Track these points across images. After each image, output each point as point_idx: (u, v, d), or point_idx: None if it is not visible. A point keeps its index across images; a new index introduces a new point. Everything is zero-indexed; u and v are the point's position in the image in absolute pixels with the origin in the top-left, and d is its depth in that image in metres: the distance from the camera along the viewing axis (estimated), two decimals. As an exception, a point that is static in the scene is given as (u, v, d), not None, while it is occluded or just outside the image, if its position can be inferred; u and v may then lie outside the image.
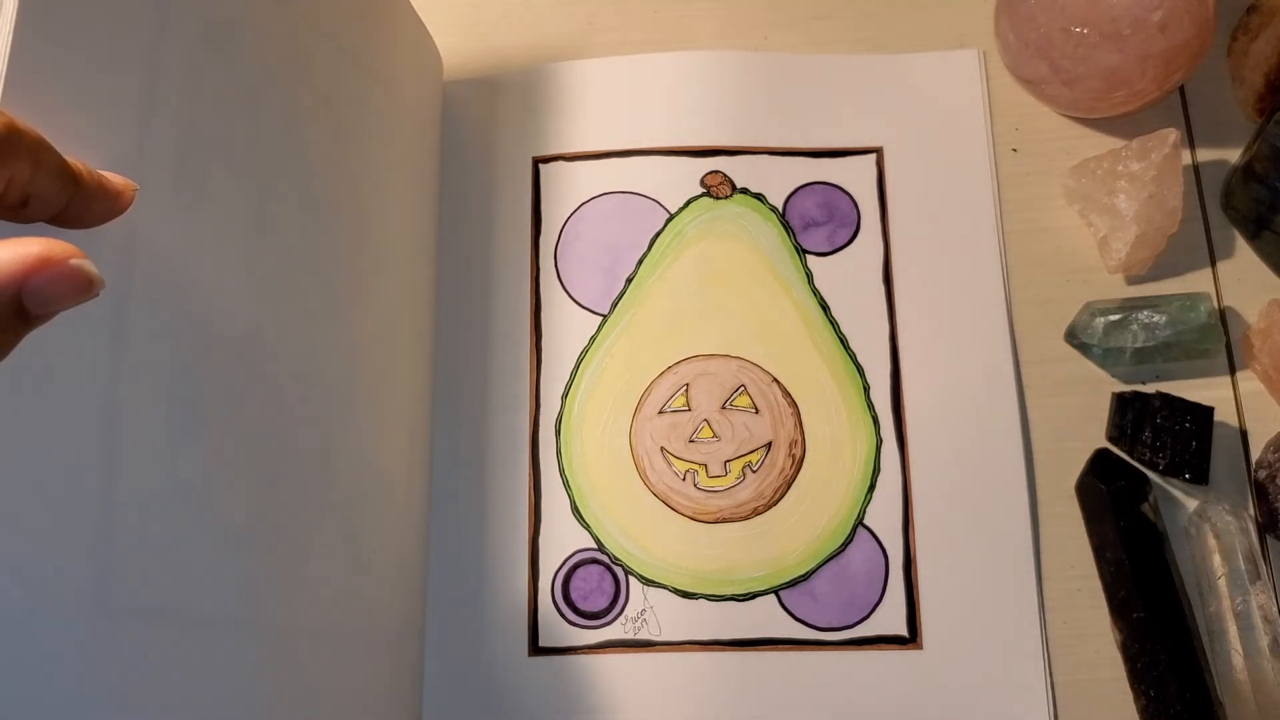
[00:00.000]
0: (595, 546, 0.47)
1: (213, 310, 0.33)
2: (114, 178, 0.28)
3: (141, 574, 0.30)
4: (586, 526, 0.47)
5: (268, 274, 0.36)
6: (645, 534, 0.47)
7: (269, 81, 0.37)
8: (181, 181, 0.32)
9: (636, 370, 0.49)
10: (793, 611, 0.46)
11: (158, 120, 0.31)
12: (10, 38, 0.26)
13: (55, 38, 0.28)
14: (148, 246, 0.31)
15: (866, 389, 0.48)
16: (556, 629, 0.46)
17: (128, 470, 0.29)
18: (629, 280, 0.50)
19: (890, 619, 0.45)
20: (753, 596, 0.46)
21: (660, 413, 0.48)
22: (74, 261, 0.24)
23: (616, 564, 0.47)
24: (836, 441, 0.48)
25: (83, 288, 0.25)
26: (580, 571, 0.47)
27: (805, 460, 0.47)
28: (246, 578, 0.34)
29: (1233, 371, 0.48)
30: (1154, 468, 0.45)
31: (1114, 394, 0.47)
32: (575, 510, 0.47)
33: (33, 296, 0.24)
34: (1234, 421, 0.47)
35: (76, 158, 0.27)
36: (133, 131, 0.30)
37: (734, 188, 0.51)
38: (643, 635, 0.45)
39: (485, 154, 0.52)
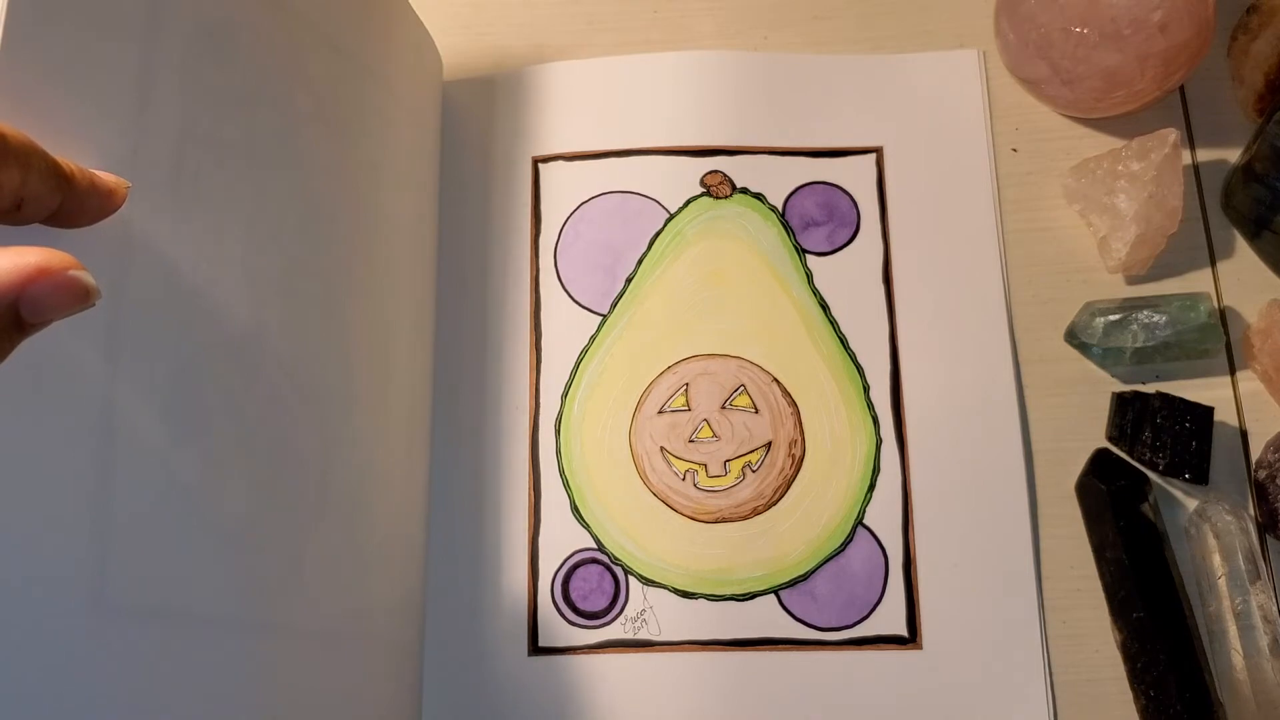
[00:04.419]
0: (595, 546, 0.47)
1: (209, 310, 0.33)
2: (106, 176, 0.28)
3: (138, 573, 0.30)
4: (586, 526, 0.47)
5: (265, 274, 0.36)
6: (645, 534, 0.47)
7: (265, 82, 0.37)
8: (177, 181, 0.32)
9: (636, 370, 0.49)
10: (792, 611, 0.46)
11: (152, 120, 0.31)
12: (0, 38, 0.26)
13: (46, 38, 0.28)
14: (143, 247, 0.31)
15: (866, 389, 0.48)
16: (556, 629, 0.46)
17: (124, 470, 0.29)
18: (629, 280, 0.50)
19: (890, 619, 0.45)
20: (752, 596, 0.46)
21: (660, 412, 0.48)
22: (72, 272, 0.25)
23: (616, 564, 0.47)
24: (836, 441, 0.48)
25: (79, 297, 0.25)
26: (580, 571, 0.47)
27: (805, 460, 0.47)
28: (244, 577, 0.34)
29: (1233, 371, 0.48)
30: (1154, 468, 0.45)
31: (1114, 394, 0.47)
32: (575, 510, 0.47)
33: (29, 305, 0.24)
34: (1234, 421, 0.47)
35: (70, 158, 0.27)
36: (127, 131, 0.30)
37: (734, 187, 0.51)
38: (642, 635, 0.45)
39: (485, 154, 0.52)
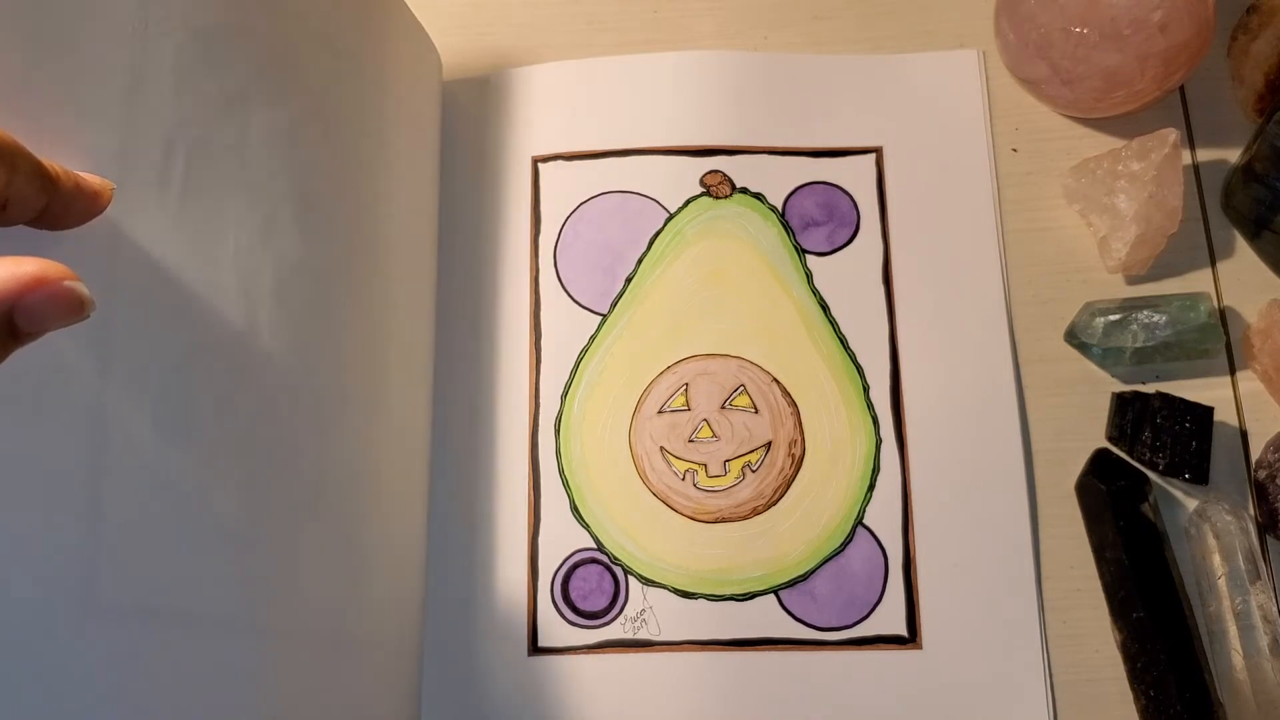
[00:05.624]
0: (595, 546, 0.47)
1: (202, 312, 0.33)
2: (91, 178, 0.28)
3: (131, 574, 0.30)
4: (586, 526, 0.47)
5: (260, 275, 0.36)
6: (645, 534, 0.47)
7: (261, 83, 0.37)
8: (167, 183, 0.32)
9: (636, 370, 0.49)
10: (792, 611, 0.46)
11: (142, 122, 0.31)
12: None
13: (33, 39, 0.28)
14: (131, 249, 0.30)
15: (866, 389, 0.48)
16: (556, 629, 0.46)
17: (115, 471, 0.29)
18: (628, 280, 0.50)
19: (890, 619, 0.45)
20: (752, 596, 0.46)
21: (660, 412, 0.48)
22: (67, 283, 0.25)
23: (616, 564, 0.47)
24: (836, 441, 0.48)
25: (74, 309, 0.25)
26: (580, 571, 0.47)
27: (805, 460, 0.47)
28: (239, 579, 0.34)
29: (1233, 371, 0.48)
30: (1154, 468, 0.45)
31: (1114, 394, 0.47)
32: (575, 510, 0.47)
33: (25, 314, 0.24)
34: (1234, 421, 0.47)
35: (57, 160, 0.27)
36: (115, 133, 0.30)
37: (734, 187, 0.51)
38: (642, 635, 0.45)
39: (485, 154, 0.52)
